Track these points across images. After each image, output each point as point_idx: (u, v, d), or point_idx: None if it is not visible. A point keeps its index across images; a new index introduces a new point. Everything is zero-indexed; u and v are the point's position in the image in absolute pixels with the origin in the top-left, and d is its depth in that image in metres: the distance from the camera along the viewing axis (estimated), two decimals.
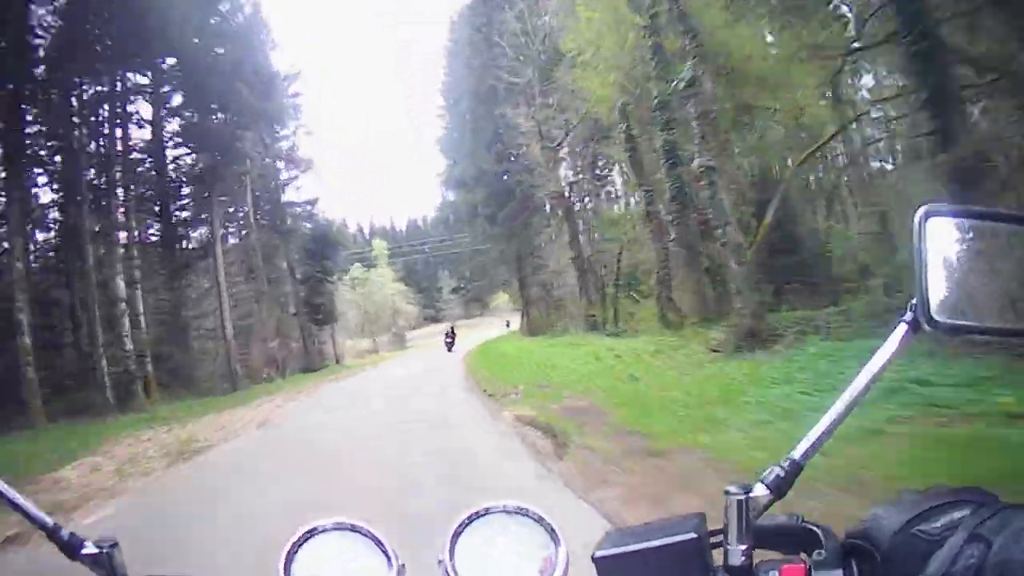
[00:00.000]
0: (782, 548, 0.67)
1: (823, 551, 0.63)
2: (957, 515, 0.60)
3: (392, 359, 35.95)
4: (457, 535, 0.79)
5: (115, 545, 0.69)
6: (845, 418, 0.66)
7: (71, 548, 0.68)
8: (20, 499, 0.69)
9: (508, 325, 44.92)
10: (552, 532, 0.79)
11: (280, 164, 27.87)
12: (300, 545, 0.78)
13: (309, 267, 29.01)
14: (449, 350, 31.64)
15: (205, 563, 3.89)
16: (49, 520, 0.69)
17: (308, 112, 35.31)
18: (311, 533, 0.79)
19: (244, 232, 26.14)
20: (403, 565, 0.79)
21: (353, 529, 0.80)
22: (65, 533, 0.69)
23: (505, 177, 28.72)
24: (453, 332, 36.40)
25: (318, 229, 30.43)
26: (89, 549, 0.68)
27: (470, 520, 0.80)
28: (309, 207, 29.80)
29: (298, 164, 27.88)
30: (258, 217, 26.37)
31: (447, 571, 0.76)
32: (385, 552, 0.79)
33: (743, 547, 0.64)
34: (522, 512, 0.80)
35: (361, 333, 54.53)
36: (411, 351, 42.83)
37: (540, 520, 0.80)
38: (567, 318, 28.02)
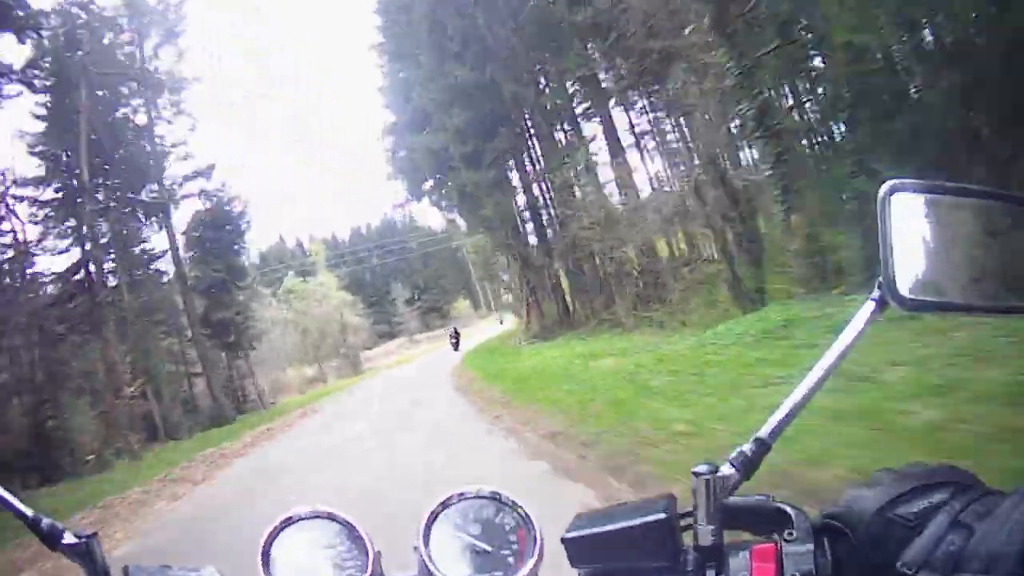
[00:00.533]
0: (753, 528, 0.66)
1: (794, 531, 0.62)
2: (936, 499, 0.59)
3: (343, 391, 26.66)
4: (431, 522, 0.80)
5: (94, 535, 0.69)
6: (812, 397, 0.66)
7: (51, 539, 0.68)
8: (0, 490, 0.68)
9: (502, 323, 42.76)
10: (525, 517, 0.81)
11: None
12: (278, 533, 0.80)
13: (207, 267, 18.77)
14: (456, 349, 33.67)
15: None
16: (29, 511, 0.68)
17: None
18: (288, 521, 0.80)
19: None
20: (379, 552, 0.80)
21: (330, 517, 0.82)
22: (46, 524, 0.68)
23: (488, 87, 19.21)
24: (457, 333, 39.33)
25: (219, 212, 20.17)
26: (69, 539, 0.68)
27: (444, 506, 0.81)
28: (202, 178, 19.69)
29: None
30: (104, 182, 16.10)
31: (422, 557, 0.77)
32: (361, 539, 0.81)
33: (712, 527, 0.64)
34: (495, 498, 0.82)
35: (304, 359, 44.99)
36: (368, 377, 34.07)
37: (513, 505, 0.82)
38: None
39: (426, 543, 0.78)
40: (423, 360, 34.95)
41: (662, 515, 0.64)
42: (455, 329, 41.41)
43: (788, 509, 0.64)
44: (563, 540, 0.68)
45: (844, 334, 0.67)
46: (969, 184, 0.73)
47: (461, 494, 0.82)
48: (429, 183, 26.97)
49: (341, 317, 50.88)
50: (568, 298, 23.21)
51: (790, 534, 0.62)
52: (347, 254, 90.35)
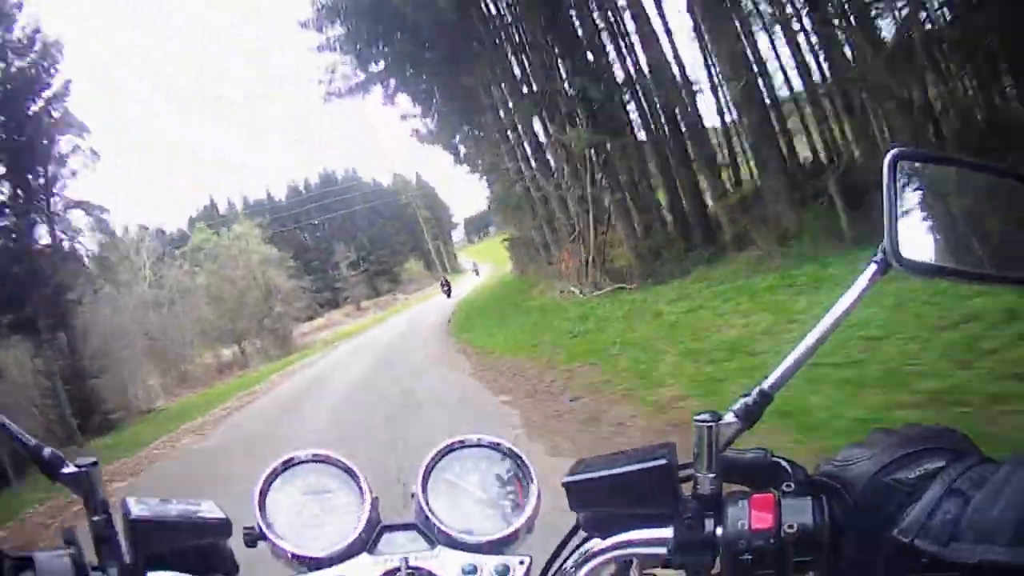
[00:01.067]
0: (751, 482, 0.66)
1: (792, 483, 0.63)
2: (932, 466, 0.59)
3: (264, 395, 17.62)
4: (429, 468, 0.81)
5: (95, 464, 0.68)
6: (814, 352, 0.67)
7: (52, 468, 0.67)
8: (1, 418, 0.66)
9: (478, 273, 45.68)
10: (524, 468, 0.81)
11: None
12: (276, 476, 0.80)
13: None
14: (448, 296, 35.85)
15: None
16: (31, 439, 0.67)
17: None
18: (287, 464, 0.81)
19: None
20: (376, 497, 0.80)
21: (328, 461, 0.82)
22: (47, 453, 0.67)
23: None
24: (447, 281, 41.20)
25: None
26: (69, 469, 0.67)
27: (442, 453, 0.82)
28: None
29: None
30: None
31: (420, 503, 0.78)
32: (359, 484, 0.81)
33: (712, 475, 0.64)
34: (494, 447, 0.83)
35: (221, 338, 36.90)
36: (304, 365, 24.99)
37: (512, 454, 0.82)
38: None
39: (424, 489, 0.79)
40: (376, 332, 28.34)
41: (662, 461, 0.64)
42: (445, 278, 43.14)
43: (786, 463, 0.65)
44: (564, 484, 0.68)
45: (847, 294, 0.68)
46: (971, 157, 0.76)
47: (461, 442, 0.83)
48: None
49: (265, 279, 40.84)
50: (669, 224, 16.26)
51: (788, 486, 0.63)
52: (284, 214, 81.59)
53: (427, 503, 0.78)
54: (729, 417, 0.65)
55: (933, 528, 0.55)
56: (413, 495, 0.79)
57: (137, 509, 0.68)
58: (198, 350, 33.05)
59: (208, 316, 33.73)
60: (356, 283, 68.19)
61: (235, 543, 0.74)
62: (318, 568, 0.75)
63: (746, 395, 0.67)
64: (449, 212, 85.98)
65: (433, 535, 0.77)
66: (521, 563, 0.75)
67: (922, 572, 0.55)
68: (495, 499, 0.80)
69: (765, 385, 0.67)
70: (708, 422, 0.64)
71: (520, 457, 0.82)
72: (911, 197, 0.70)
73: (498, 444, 0.83)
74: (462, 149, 26.40)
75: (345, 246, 69.99)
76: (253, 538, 0.77)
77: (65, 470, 0.67)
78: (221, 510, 0.73)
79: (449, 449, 0.82)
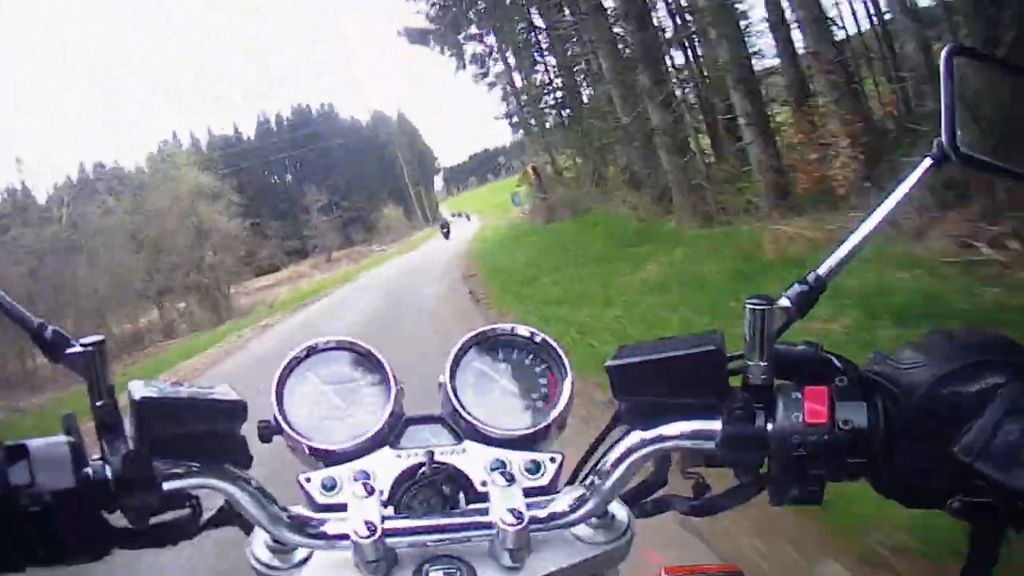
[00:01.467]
0: (801, 377, 0.61)
1: (845, 378, 0.59)
2: (992, 380, 0.55)
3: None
4: (458, 357, 0.77)
5: (102, 342, 0.62)
6: (869, 241, 0.65)
7: (57, 348, 0.61)
8: (3, 295, 0.62)
9: (469, 219, 45.40)
10: (558, 360, 0.77)
11: None
12: (297, 363, 0.76)
13: None
14: (447, 238, 34.66)
15: None
16: (34, 319, 0.62)
17: None
18: (310, 351, 0.77)
19: None
20: (401, 387, 0.76)
21: (352, 349, 0.78)
22: (50, 332, 0.62)
23: None
24: (447, 223, 40.07)
25: None
26: (74, 348, 0.61)
27: (473, 342, 0.78)
28: None
29: None
30: None
31: (448, 392, 0.74)
32: (384, 373, 0.76)
33: (764, 363, 0.60)
34: (528, 337, 0.78)
35: (145, 296, 28.04)
36: (243, 331, 19.03)
37: (546, 345, 0.78)
38: None
39: (452, 378, 0.75)
40: (346, 294, 21.31)
41: (711, 347, 0.61)
42: (445, 221, 41.83)
43: (838, 359, 0.61)
44: (607, 367, 0.64)
45: (901, 186, 0.66)
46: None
47: (493, 330, 0.79)
48: None
49: (194, 215, 30.60)
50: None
51: (842, 380, 0.59)
52: (252, 152, 73.29)
53: (455, 394, 0.74)
54: (783, 302, 0.62)
55: (995, 449, 0.52)
56: (440, 385, 0.75)
57: (144, 391, 0.62)
58: (115, 314, 25.73)
59: (125, 267, 26.17)
60: (327, 230, 60.69)
61: (250, 439, 0.68)
62: (336, 462, 0.71)
63: (801, 280, 0.63)
64: (432, 155, 78.00)
65: (460, 428, 0.73)
66: (552, 460, 0.71)
67: (978, 495, 0.53)
68: (527, 392, 0.76)
69: (820, 271, 0.64)
70: (761, 306, 0.59)
71: (555, 349, 0.77)
72: (966, 94, 0.68)
73: (532, 334, 0.78)
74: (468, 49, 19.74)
75: (317, 189, 62.19)
76: (269, 431, 0.72)
77: (69, 350, 0.61)
78: (236, 392, 0.67)
79: (480, 338, 0.78)
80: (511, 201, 31.22)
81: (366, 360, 0.77)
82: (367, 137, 70.97)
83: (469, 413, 0.73)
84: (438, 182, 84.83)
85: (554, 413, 0.73)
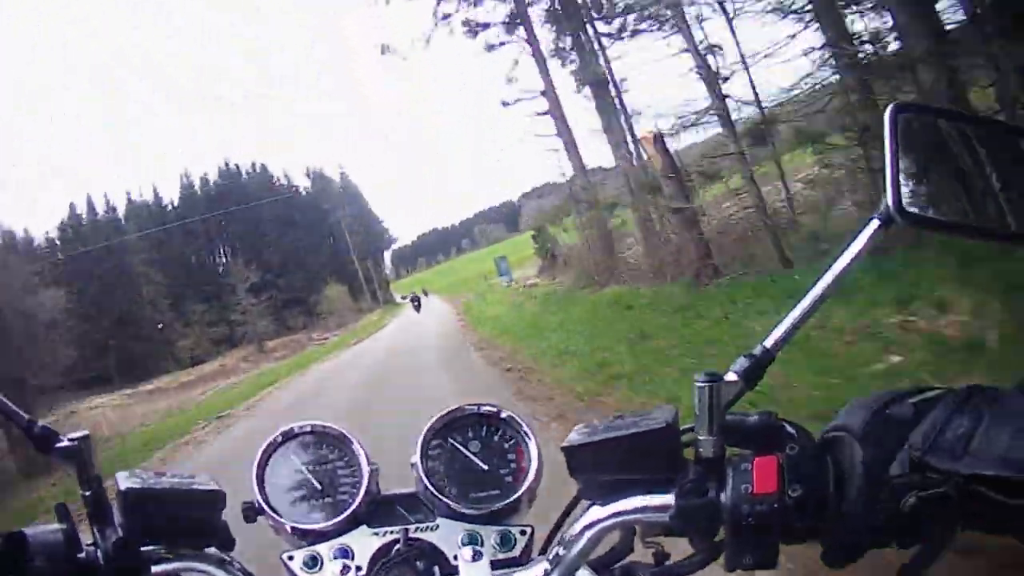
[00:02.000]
0: (753, 445, 0.63)
1: (795, 445, 0.61)
2: (932, 394, 0.60)
3: None
4: (429, 437, 0.80)
5: (87, 437, 0.67)
6: (815, 310, 0.66)
7: (45, 442, 0.66)
8: None
9: (427, 295, 44.08)
10: (525, 435, 0.80)
11: None
12: (274, 449, 0.80)
13: None
14: (418, 311, 35.21)
15: None
16: (24, 415, 0.66)
17: None
18: (286, 435, 0.80)
19: None
20: (376, 467, 0.79)
21: (325, 432, 0.81)
22: (38, 427, 0.66)
23: None
24: (417, 297, 39.88)
25: None
26: (62, 443, 0.66)
27: (442, 422, 0.81)
28: None
29: None
30: None
31: (420, 471, 0.77)
32: (357, 454, 0.80)
33: (714, 438, 0.62)
34: (494, 414, 0.82)
35: None
36: None
37: (510, 420, 0.81)
38: None
39: (423, 458, 0.78)
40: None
41: (663, 423, 0.63)
42: (414, 294, 42.14)
43: (789, 426, 0.62)
44: (563, 448, 0.67)
45: (848, 250, 0.66)
46: (970, 112, 0.77)
47: (460, 410, 0.82)
48: None
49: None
50: None
51: (792, 448, 0.61)
52: (172, 219, 64.29)
53: (426, 473, 0.77)
54: (730, 376, 0.63)
55: (946, 442, 0.54)
56: (413, 465, 0.78)
57: (129, 482, 0.67)
58: None
59: None
60: (259, 315, 51.94)
61: (234, 519, 0.72)
62: (317, 541, 0.75)
63: (748, 354, 0.64)
64: (382, 224, 70.01)
65: (433, 505, 0.77)
66: (523, 532, 0.75)
67: (930, 492, 0.54)
68: (496, 467, 0.79)
69: (767, 343, 0.64)
70: (709, 382, 0.61)
71: (521, 424, 0.81)
72: (912, 151, 0.68)
73: (497, 412, 0.81)
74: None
75: (246, 264, 53.64)
76: (252, 512, 0.76)
77: (58, 444, 0.65)
78: (215, 482, 0.72)
79: (449, 418, 0.81)
80: (496, 270, 27.01)
81: (340, 442, 0.81)
82: (306, 203, 62.90)
83: (441, 491, 0.76)
84: (388, 259, 77.12)
85: (523, 487, 0.77)
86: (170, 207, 62.63)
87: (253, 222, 59.61)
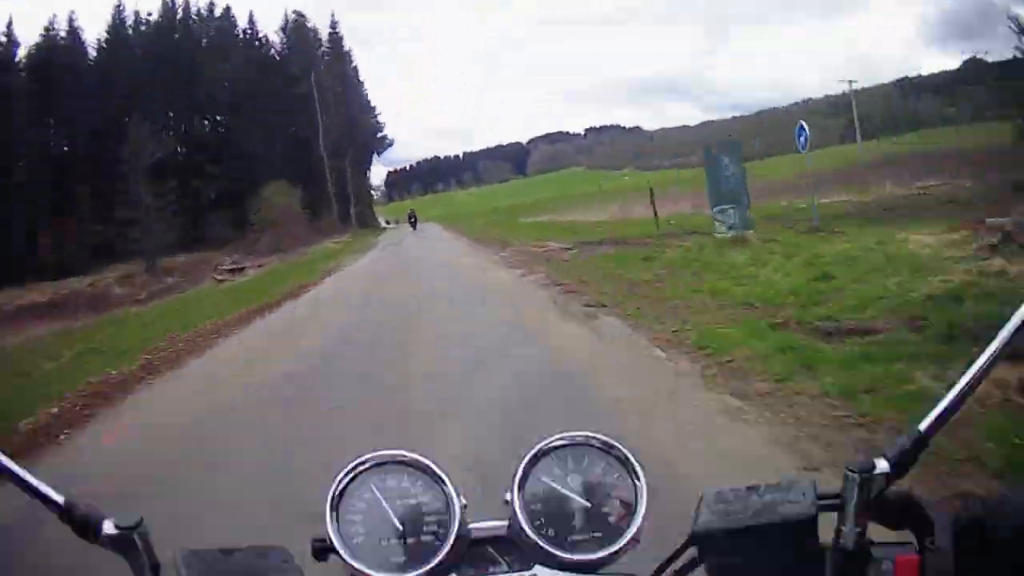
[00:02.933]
0: (887, 521, 0.61)
1: (935, 538, 0.59)
2: None
3: None
4: (527, 471, 0.72)
5: (141, 523, 0.60)
6: (975, 389, 0.62)
7: (90, 529, 0.59)
8: (27, 475, 0.59)
9: (415, 221, 37.84)
10: (631, 469, 0.73)
11: None
12: (350, 481, 0.72)
13: None
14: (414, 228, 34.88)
15: None
16: (60, 497, 0.59)
17: None
18: (362, 466, 0.72)
19: None
20: (465, 505, 0.71)
21: (412, 464, 0.74)
22: (81, 509, 0.59)
23: None
24: (414, 213, 38.83)
25: None
26: (109, 530, 0.59)
27: (541, 454, 0.73)
28: None
29: None
30: None
31: (516, 511, 0.70)
32: (445, 490, 0.72)
33: (859, 529, 0.60)
34: (599, 445, 0.74)
35: None
36: None
37: (619, 454, 0.73)
38: None
39: (520, 494, 0.71)
40: None
41: (806, 512, 0.61)
42: (412, 211, 39.42)
43: (929, 508, 0.60)
44: (694, 534, 0.63)
45: (1006, 328, 0.61)
46: None
47: (561, 438, 0.74)
48: None
49: None
50: None
51: (931, 542, 0.59)
52: (91, 71, 44.40)
53: (523, 513, 0.70)
54: (882, 465, 0.59)
55: None
56: (507, 502, 0.71)
57: (195, 570, 0.61)
58: None
59: None
60: (159, 215, 33.24)
61: (301, 552, 0.68)
62: None
63: (901, 439, 0.61)
64: (376, 120, 49.84)
65: (529, 549, 0.70)
66: None
67: None
68: (598, 506, 0.71)
69: (922, 427, 0.61)
70: (861, 472, 0.59)
71: (629, 459, 0.73)
72: None
73: (604, 441, 0.74)
74: None
75: (153, 134, 34.60)
76: (324, 551, 0.68)
77: (105, 531, 0.59)
78: (291, 558, 0.65)
79: (549, 448, 0.73)
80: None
81: (425, 475, 0.73)
82: (271, 63, 42.90)
83: (538, 533, 0.69)
84: (378, 174, 57.29)
85: (629, 533, 0.69)
86: (93, 48, 43.05)
87: (189, 80, 40.26)
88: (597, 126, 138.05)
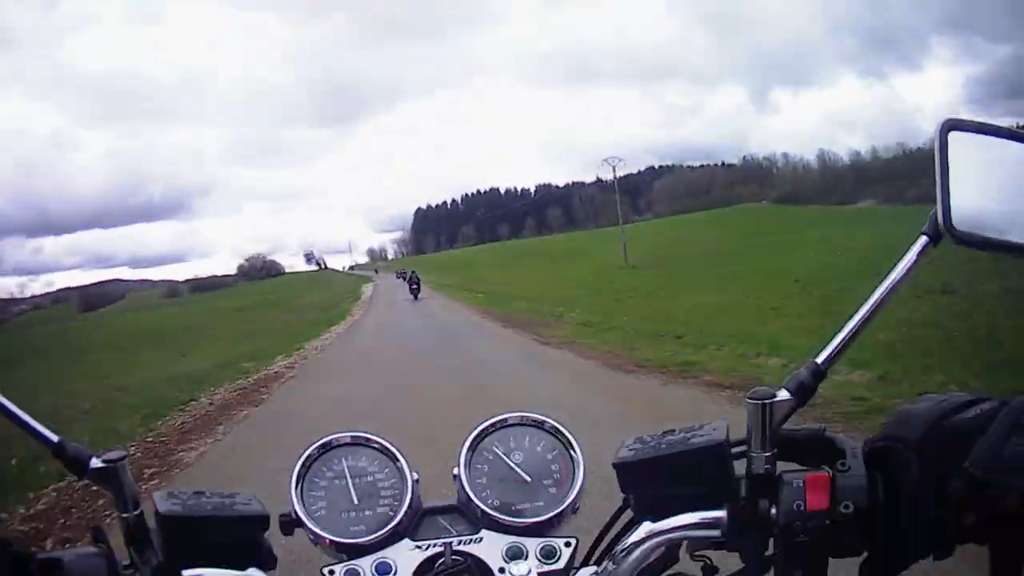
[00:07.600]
0: (803, 460, 0.65)
1: (846, 461, 0.61)
2: (988, 407, 0.59)
3: None
4: (472, 447, 0.79)
5: (124, 458, 0.65)
6: (866, 327, 0.66)
7: (79, 465, 0.64)
8: (23, 415, 0.64)
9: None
10: (568, 444, 0.80)
11: None
12: (313, 460, 0.78)
13: None
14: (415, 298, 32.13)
15: None
16: (54, 436, 0.64)
17: None
18: (324, 447, 0.79)
19: None
20: (417, 480, 0.78)
21: (367, 444, 0.80)
22: (71, 449, 0.65)
23: None
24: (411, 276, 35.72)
25: None
26: (96, 464, 0.64)
27: (485, 432, 0.80)
28: None
29: None
30: None
31: (462, 484, 0.76)
32: (399, 466, 0.79)
33: (766, 454, 0.63)
34: (537, 424, 0.81)
35: None
36: None
37: (556, 432, 0.81)
38: None
39: (466, 470, 0.77)
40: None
41: (716, 440, 0.64)
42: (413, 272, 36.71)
43: (840, 439, 0.64)
44: (614, 464, 0.68)
45: (898, 266, 0.67)
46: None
47: (504, 420, 0.81)
48: None
49: None
50: None
51: (843, 464, 0.61)
52: None
53: (470, 484, 0.76)
54: (783, 394, 0.64)
55: (1005, 461, 0.54)
56: (455, 476, 0.77)
57: (168, 505, 0.67)
58: None
59: None
60: None
61: (270, 530, 0.71)
62: (359, 555, 0.73)
63: (799, 371, 0.65)
64: None
65: (476, 517, 0.75)
66: (567, 545, 0.74)
67: (990, 514, 0.54)
68: (539, 478, 0.78)
69: (819, 359, 0.65)
70: (761, 400, 0.63)
71: (564, 434, 0.80)
72: (964, 168, 0.68)
73: (542, 421, 0.81)
74: None
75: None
76: (290, 525, 0.74)
77: (93, 466, 0.65)
78: (259, 502, 0.71)
79: (491, 428, 0.80)
80: None
81: (381, 453, 0.79)
82: None
83: (484, 503, 0.74)
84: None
85: (568, 499, 0.75)
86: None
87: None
88: None
